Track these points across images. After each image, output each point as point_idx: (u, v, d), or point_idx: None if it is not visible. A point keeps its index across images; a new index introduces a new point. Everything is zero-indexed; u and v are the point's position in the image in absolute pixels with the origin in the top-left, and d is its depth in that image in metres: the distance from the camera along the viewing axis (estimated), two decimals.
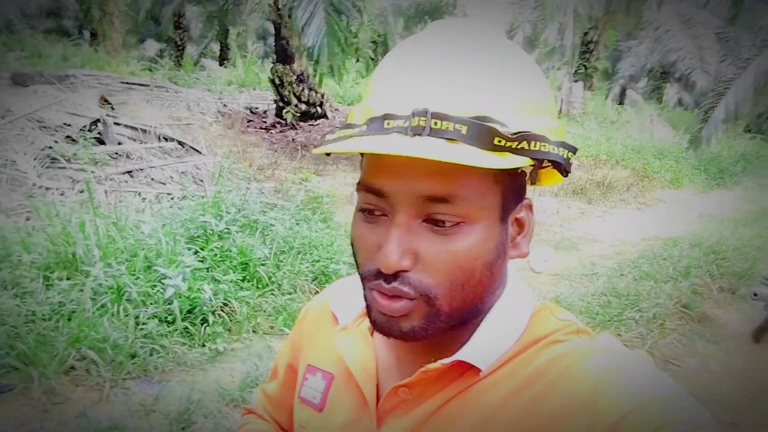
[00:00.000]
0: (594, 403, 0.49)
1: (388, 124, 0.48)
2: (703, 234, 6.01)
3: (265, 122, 9.72)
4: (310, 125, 9.58)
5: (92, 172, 4.65)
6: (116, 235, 3.17)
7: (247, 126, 9.30)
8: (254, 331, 3.09)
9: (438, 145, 0.46)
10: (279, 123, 9.55)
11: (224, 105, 10.18)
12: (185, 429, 2.26)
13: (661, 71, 19.60)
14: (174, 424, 2.25)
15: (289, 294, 3.34)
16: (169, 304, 2.86)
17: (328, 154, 0.55)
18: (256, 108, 10.56)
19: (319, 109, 9.77)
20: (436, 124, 0.46)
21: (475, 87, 0.49)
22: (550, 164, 0.52)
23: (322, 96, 9.79)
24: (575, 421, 0.49)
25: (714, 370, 3.64)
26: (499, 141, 0.47)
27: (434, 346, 0.58)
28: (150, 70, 12.84)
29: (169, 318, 2.88)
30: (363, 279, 0.55)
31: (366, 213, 0.54)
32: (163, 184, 5.00)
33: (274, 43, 9.91)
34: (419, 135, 0.46)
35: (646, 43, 18.87)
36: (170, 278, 2.82)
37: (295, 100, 9.52)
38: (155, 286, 2.91)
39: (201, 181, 5.27)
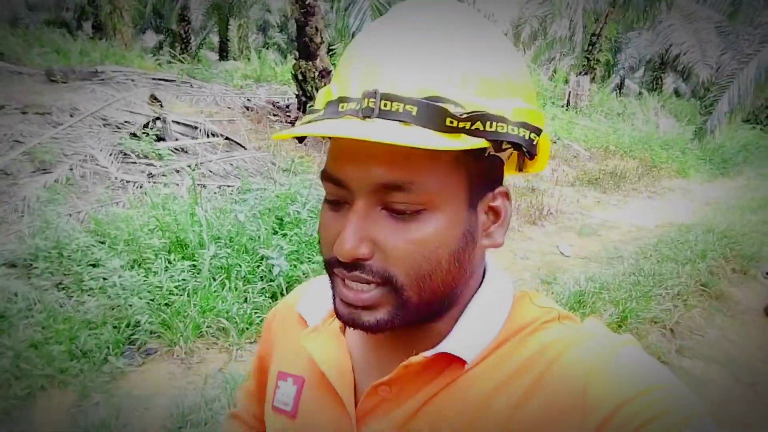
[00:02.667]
0: (585, 395, 0.48)
1: (343, 107, 0.47)
2: (713, 220, 6.50)
3: (289, 116, 10.13)
4: None
5: (160, 166, 5.08)
6: (216, 222, 3.61)
7: (274, 121, 9.71)
8: None
9: (389, 128, 0.44)
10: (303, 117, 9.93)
11: (248, 99, 10.58)
12: None
13: (660, 62, 20.00)
14: None
15: None
16: (271, 281, 3.32)
17: (301, 140, 0.55)
18: (278, 102, 10.97)
19: None
20: (385, 105, 0.45)
21: (427, 66, 0.47)
22: (510, 146, 0.50)
23: None
24: (567, 414, 0.48)
25: (732, 339, 4.13)
26: (452, 122, 0.45)
27: (413, 340, 0.57)
28: (169, 63, 13.19)
29: (270, 293, 3.34)
30: (327, 267, 0.54)
31: (329, 201, 0.53)
32: (223, 177, 5.43)
33: (295, 40, 10.29)
34: (369, 117, 0.45)
35: (645, 35, 19.32)
36: (273, 258, 3.27)
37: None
38: (259, 265, 3.36)
39: (254, 173, 5.70)
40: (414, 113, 0.45)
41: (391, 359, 0.57)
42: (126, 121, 5.75)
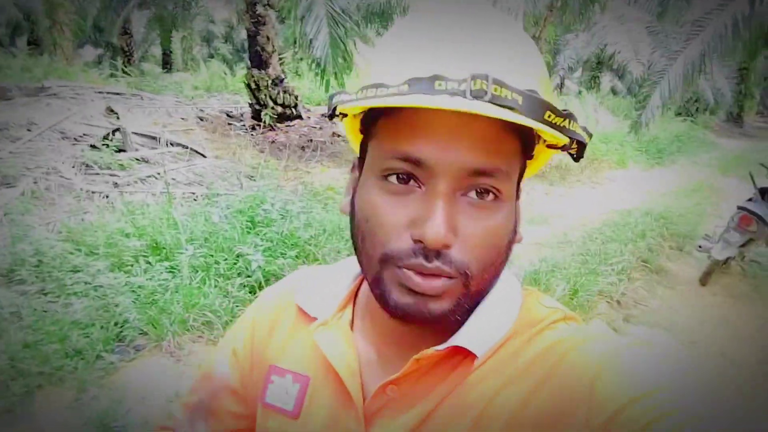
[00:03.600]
0: (591, 393, 0.48)
1: (439, 85, 0.46)
2: (652, 205, 7.02)
3: (245, 125, 10.23)
4: (287, 126, 10.16)
5: (124, 176, 5.16)
6: (189, 224, 3.76)
7: (229, 130, 9.79)
8: None
9: (500, 111, 0.45)
10: (257, 125, 10.07)
11: (201, 110, 10.61)
12: None
13: (597, 62, 20.97)
14: None
15: None
16: (249, 277, 3.49)
17: (344, 115, 0.55)
18: (231, 111, 11.05)
19: (293, 110, 10.36)
20: (496, 90, 0.45)
21: (525, 62, 0.50)
22: (575, 146, 0.52)
23: (296, 98, 10.40)
24: (573, 411, 0.49)
25: (672, 307, 4.55)
26: (549, 116, 0.47)
27: (421, 336, 0.56)
28: (112, 77, 13.06)
29: (249, 288, 3.51)
30: (388, 260, 0.50)
31: (390, 182, 0.50)
32: (187, 185, 5.53)
33: (248, 50, 10.43)
34: (479, 98, 0.45)
35: (582, 36, 20.24)
36: (250, 255, 3.45)
37: (271, 103, 10.08)
38: (236, 262, 3.53)
39: (217, 180, 5.83)
40: (520, 102, 0.46)
41: (398, 357, 0.57)
42: (84, 134, 5.78)
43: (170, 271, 3.41)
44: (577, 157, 0.53)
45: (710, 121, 18.60)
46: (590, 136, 0.51)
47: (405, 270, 0.49)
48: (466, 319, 0.55)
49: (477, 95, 0.45)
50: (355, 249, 0.55)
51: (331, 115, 0.54)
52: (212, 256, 3.52)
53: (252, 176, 6.71)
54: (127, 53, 18.74)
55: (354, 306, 0.65)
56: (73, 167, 5.04)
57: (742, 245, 4.76)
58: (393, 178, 0.50)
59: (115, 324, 2.97)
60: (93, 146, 5.53)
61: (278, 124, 10.10)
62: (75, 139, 5.69)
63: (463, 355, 0.54)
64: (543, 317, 0.57)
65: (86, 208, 4.46)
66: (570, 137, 0.49)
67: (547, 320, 0.56)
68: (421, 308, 0.50)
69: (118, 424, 2.36)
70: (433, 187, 0.48)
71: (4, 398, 2.48)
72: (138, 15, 19.31)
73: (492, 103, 0.45)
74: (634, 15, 14.63)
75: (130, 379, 2.74)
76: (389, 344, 0.59)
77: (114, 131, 5.86)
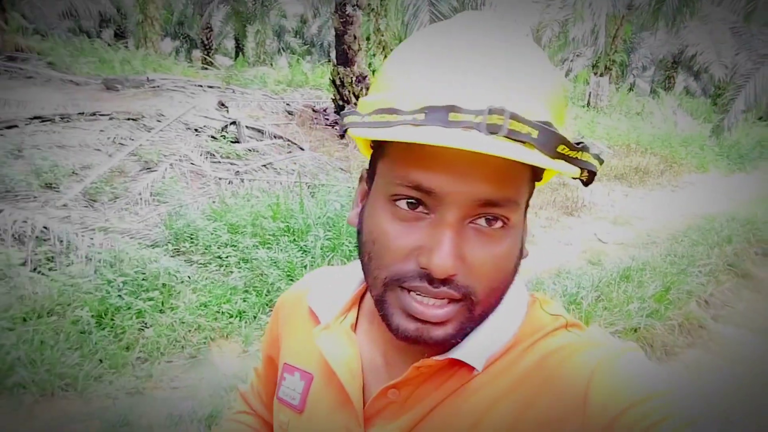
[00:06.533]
0: (587, 401, 0.49)
1: (454, 117, 0.45)
2: (736, 210, 7.07)
3: (327, 119, 10.80)
4: None
5: (241, 165, 5.73)
6: (318, 211, 4.25)
7: (315, 124, 10.38)
8: None
9: (515, 148, 0.44)
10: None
11: (288, 104, 11.25)
12: None
13: (672, 61, 20.46)
14: None
15: None
16: None
17: (342, 136, 0.56)
18: (314, 106, 11.66)
19: None
20: (512, 124, 0.44)
21: (540, 92, 0.48)
22: (586, 174, 0.50)
23: None
24: (568, 420, 0.49)
25: (758, 310, 4.71)
26: (563, 149, 0.46)
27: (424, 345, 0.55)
28: (204, 68, 13.88)
29: None
30: (392, 282, 0.51)
31: (399, 207, 0.51)
32: (291, 174, 6.06)
33: (335, 48, 10.99)
34: (495, 134, 0.44)
35: (659, 35, 19.79)
36: None
37: (354, 99, 10.61)
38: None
39: (317, 171, 6.34)
40: (534, 136, 0.45)
41: (401, 362, 0.58)
42: (204, 126, 6.41)
43: (302, 251, 3.89)
44: (587, 183, 0.51)
45: None
46: (601, 162, 0.50)
47: (408, 293, 0.50)
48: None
49: (492, 130, 0.44)
50: (361, 264, 0.56)
51: (342, 134, 0.55)
52: (338, 238, 3.98)
53: (342, 168, 7.23)
54: (207, 46, 19.78)
55: (360, 309, 0.66)
56: (201, 155, 5.64)
57: None
58: (402, 203, 0.50)
59: (267, 292, 3.48)
60: (212, 137, 6.13)
61: None
62: (196, 130, 6.32)
63: (462, 365, 0.55)
64: (543, 325, 0.57)
65: (217, 193, 5.03)
66: (581, 167, 0.48)
67: (548, 328, 0.57)
68: (423, 334, 0.51)
69: None
70: (442, 215, 0.49)
71: (189, 346, 3.02)
72: (217, 10, 20.31)
73: (507, 138, 0.44)
74: (719, 15, 14.30)
75: None
76: (394, 349, 0.60)
77: (231, 123, 6.45)
